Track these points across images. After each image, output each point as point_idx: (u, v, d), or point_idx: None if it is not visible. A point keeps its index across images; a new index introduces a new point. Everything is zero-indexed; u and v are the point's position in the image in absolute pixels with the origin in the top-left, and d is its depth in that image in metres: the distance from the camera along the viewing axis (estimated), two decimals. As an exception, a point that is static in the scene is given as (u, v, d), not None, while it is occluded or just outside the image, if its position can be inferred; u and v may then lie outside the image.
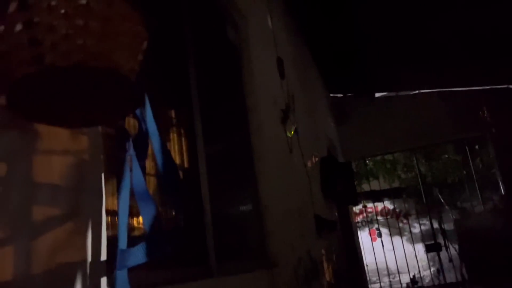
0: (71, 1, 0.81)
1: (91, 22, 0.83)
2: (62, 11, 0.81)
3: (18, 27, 0.78)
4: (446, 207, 9.67)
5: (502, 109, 6.50)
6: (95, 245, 1.11)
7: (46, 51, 0.81)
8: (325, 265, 3.84)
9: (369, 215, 10.79)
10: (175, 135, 1.96)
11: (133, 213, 1.35)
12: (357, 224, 9.16)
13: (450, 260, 7.63)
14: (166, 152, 1.15)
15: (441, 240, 8.03)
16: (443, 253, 7.49)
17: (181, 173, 1.92)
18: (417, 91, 7.00)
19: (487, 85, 6.57)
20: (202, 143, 1.97)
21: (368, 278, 7.48)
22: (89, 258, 1.08)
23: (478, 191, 7.73)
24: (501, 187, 6.72)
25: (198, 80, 2.05)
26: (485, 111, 6.65)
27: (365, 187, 9.89)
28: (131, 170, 1.10)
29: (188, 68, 2.02)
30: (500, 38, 5.18)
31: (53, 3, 0.80)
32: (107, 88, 0.92)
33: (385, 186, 10.55)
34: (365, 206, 10.47)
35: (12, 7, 0.78)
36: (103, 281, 1.10)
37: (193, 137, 1.96)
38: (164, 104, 1.90)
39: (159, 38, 1.80)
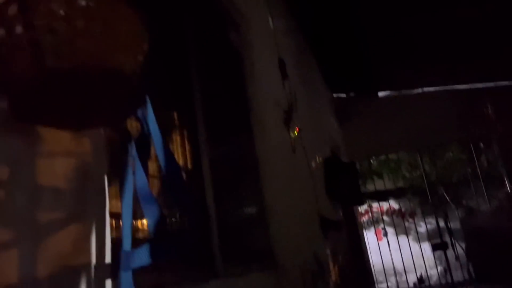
0: (70, 3, 0.81)
1: (91, 24, 0.83)
2: (62, 13, 0.81)
3: (18, 29, 0.78)
4: (452, 205, 9.62)
5: (507, 106, 6.46)
6: (100, 247, 1.11)
7: (46, 54, 0.81)
8: (331, 265, 3.82)
9: (375, 215, 10.75)
10: (178, 137, 1.96)
11: (137, 215, 1.35)
12: (363, 224, 9.13)
13: (457, 258, 7.59)
14: (168, 154, 1.14)
15: (447, 239, 8.00)
16: (450, 252, 7.45)
17: (184, 175, 1.91)
18: (420, 90, 6.97)
19: (491, 82, 6.54)
20: (206, 146, 1.97)
21: (374, 278, 7.45)
22: (94, 261, 1.08)
23: (483, 189, 7.69)
24: (507, 185, 6.68)
25: (201, 83, 2.05)
26: (490, 109, 6.62)
27: (370, 187, 9.85)
28: (134, 172, 1.10)
29: (191, 71, 2.02)
30: (504, 35, 5.16)
31: (52, 5, 0.80)
32: (108, 89, 0.92)
33: (390, 185, 10.51)
34: (370, 206, 10.44)
35: (12, 9, 0.78)
36: (108, 283, 1.10)
37: (197, 139, 1.96)
38: (167, 106, 1.90)
39: (162, 40, 1.80)
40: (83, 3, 0.82)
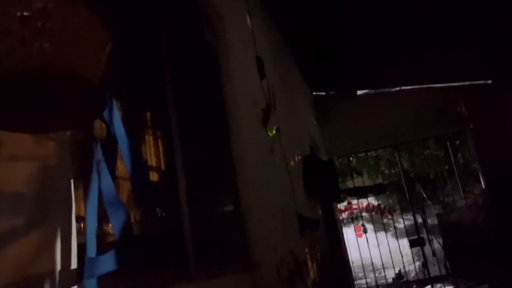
0: (26, 4, 0.78)
1: (49, 26, 0.80)
2: (18, 14, 0.78)
3: (-30, 32, 0.75)
4: (429, 202, 9.79)
5: (480, 105, 6.61)
6: (65, 253, 1.08)
7: (2, 57, 0.78)
8: (309, 264, 3.84)
9: (354, 211, 10.86)
10: (151, 137, 1.94)
11: (105, 219, 1.32)
12: (343, 221, 9.21)
13: (434, 254, 7.73)
14: (135, 156, 1.12)
15: (425, 235, 8.14)
16: (427, 248, 7.58)
17: (157, 176, 1.89)
18: (398, 88, 7.06)
19: (465, 81, 6.66)
20: (179, 145, 1.95)
21: (353, 274, 7.53)
22: (58, 267, 1.06)
23: (459, 185, 7.84)
24: (482, 181, 6.83)
25: (174, 82, 2.02)
26: (463, 107, 6.75)
27: (349, 184, 9.94)
28: (99, 175, 1.08)
29: (163, 70, 1.99)
30: (478, 35, 5.26)
31: (8, 6, 0.77)
32: (69, 92, 0.89)
33: (368, 182, 10.63)
34: (350, 203, 10.54)
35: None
36: (73, 290, 1.07)
37: (170, 140, 1.94)
38: (139, 107, 1.87)
39: (132, 39, 1.77)
40: (40, 4, 0.80)
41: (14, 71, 0.80)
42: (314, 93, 7.34)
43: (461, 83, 6.70)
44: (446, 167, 9.18)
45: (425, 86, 6.88)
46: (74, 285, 1.06)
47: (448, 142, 8.30)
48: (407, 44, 5.41)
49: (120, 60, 1.23)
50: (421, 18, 4.90)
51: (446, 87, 6.77)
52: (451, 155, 8.26)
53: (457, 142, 8.69)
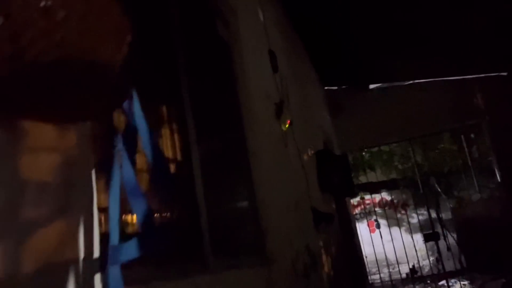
0: (50, -6, 0.79)
1: (71, 16, 0.81)
2: (41, 4, 0.79)
3: (-4, 22, 0.76)
4: (443, 196, 9.70)
5: (496, 97, 6.51)
6: (87, 242, 1.10)
7: (26, 47, 0.80)
8: (324, 258, 3.84)
9: (367, 206, 10.81)
10: (167, 131, 1.95)
11: (126, 209, 1.34)
12: (356, 216, 9.18)
13: (449, 249, 7.67)
14: (155, 147, 1.14)
15: (439, 230, 8.07)
16: (442, 242, 7.52)
17: (173, 169, 1.90)
18: (411, 81, 6.99)
19: (481, 73, 6.57)
20: (195, 139, 1.96)
21: (367, 270, 7.51)
22: (82, 256, 1.07)
23: (474, 179, 7.75)
24: (497, 175, 6.74)
25: (189, 76, 2.03)
26: (480, 99, 6.66)
27: (363, 179, 9.90)
28: (121, 166, 1.09)
29: (178, 64, 2.00)
30: (493, 26, 5.18)
31: (32, -4, 0.79)
32: (91, 82, 0.90)
33: (382, 177, 10.57)
34: (363, 198, 10.49)
35: (-11, 1, 0.76)
36: (97, 278, 1.09)
37: (186, 133, 1.95)
38: (155, 100, 1.88)
39: (148, 32, 1.78)
40: (63, -6, 0.81)
41: (37, 61, 0.81)
42: (326, 87, 7.31)
43: (475, 76, 6.61)
44: (461, 161, 9.08)
45: (439, 79, 6.80)
46: (98, 272, 1.08)
47: (462, 136, 8.20)
48: (420, 36, 5.35)
49: (137, 53, 1.24)
50: (434, 10, 4.84)
51: (460, 79, 6.69)
52: (466, 149, 8.16)
53: (472, 135, 8.59)
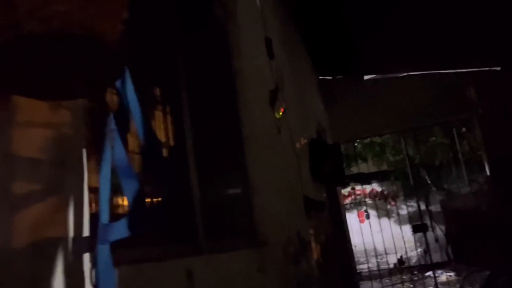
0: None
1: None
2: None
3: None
4: (433, 189, 9.79)
5: (488, 91, 6.54)
6: (78, 220, 1.10)
7: (24, 17, 0.78)
8: (314, 245, 3.87)
9: (358, 197, 10.89)
10: (161, 113, 1.94)
11: (117, 190, 1.33)
12: (346, 206, 9.24)
13: (437, 240, 7.77)
14: (148, 127, 1.13)
15: (428, 221, 8.15)
16: (430, 234, 7.60)
17: (167, 151, 1.90)
18: (405, 74, 7.00)
19: (474, 68, 6.59)
20: (189, 121, 1.95)
21: (356, 259, 7.58)
22: (72, 234, 1.07)
23: (464, 173, 7.82)
24: (487, 169, 6.81)
25: (185, 58, 2.01)
26: (472, 93, 6.69)
27: (354, 169, 9.95)
28: (112, 146, 1.08)
29: (175, 46, 1.98)
30: (486, 21, 5.18)
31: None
32: (86, 57, 0.89)
33: (373, 168, 10.63)
34: (353, 188, 10.56)
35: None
36: (86, 256, 1.09)
37: (180, 115, 1.94)
38: (150, 81, 1.86)
39: (145, 13, 1.76)
40: (59, -34, 0.79)
41: (35, 32, 0.80)
42: (321, 77, 7.29)
43: (468, 70, 6.62)
44: (451, 155, 9.15)
45: (433, 72, 6.81)
46: (87, 251, 1.08)
47: (454, 129, 8.25)
48: (415, 29, 5.34)
49: (132, 33, 1.22)
50: (429, 3, 4.83)
51: (453, 73, 6.70)
52: (457, 143, 8.22)
53: (463, 129, 8.64)
